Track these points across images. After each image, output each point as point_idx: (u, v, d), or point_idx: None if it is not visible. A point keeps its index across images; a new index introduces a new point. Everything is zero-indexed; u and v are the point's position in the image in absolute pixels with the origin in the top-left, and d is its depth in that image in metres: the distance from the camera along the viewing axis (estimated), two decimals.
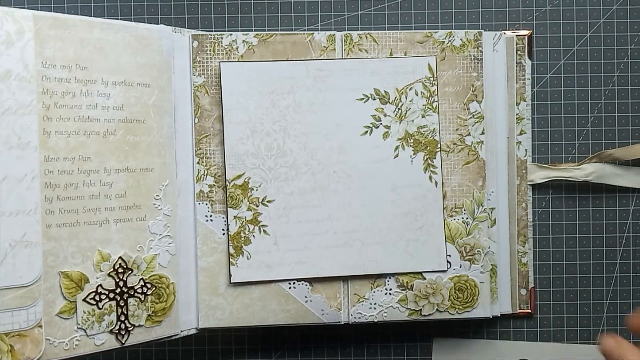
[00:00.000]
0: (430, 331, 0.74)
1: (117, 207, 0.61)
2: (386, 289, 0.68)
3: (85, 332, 0.59)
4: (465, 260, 0.68)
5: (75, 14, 0.70)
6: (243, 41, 0.66)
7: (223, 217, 0.66)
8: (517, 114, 0.71)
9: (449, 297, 0.68)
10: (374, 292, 0.68)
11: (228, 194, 0.66)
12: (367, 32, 0.67)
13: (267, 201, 0.66)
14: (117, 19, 0.71)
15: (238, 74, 0.66)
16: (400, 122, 0.67)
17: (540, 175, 0.72)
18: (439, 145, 0.67)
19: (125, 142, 0.62)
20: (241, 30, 0.72)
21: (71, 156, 0.59)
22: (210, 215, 0.66)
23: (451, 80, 0.68)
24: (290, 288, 0.67)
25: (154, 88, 0.63)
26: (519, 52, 0.71)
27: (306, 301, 0.67)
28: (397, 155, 0.67)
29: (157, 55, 0.64)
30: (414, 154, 0.67)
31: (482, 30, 0.68)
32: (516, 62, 0.71)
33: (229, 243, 0.66)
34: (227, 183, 0.66)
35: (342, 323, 0.68)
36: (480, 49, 0.68)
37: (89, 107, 0.60)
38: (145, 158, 0.63)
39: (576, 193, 0.73)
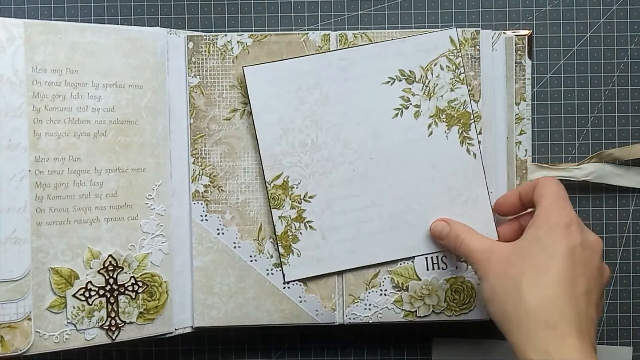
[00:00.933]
0: (430, 331, 0.73)
1: (107, 206, 0.62)
2: (381, 290, 0.68)
3: (75, 326, 0.61)
4: (462, 262, 0.67)
5: (74, 15, 0.72)
6: (238, 42, 0.67)
7: (218, 217, 0.67)
8: (516, 114, 0.70)
9: (445, 298, 0.68)
10: (369, 292, 0.68)
11: (270, 195, 0.66)
12: (362, 31, 0.67)
13: (309, 197, 0.67)
14: (117, 19, 0.72)
15: (262, 77, 0.66)
16: (429, 100, 0.67)
17: (540, 175, 0.71)
18: (472, 117, 0.67)
19: (116, 143, 0.63)
20: (241, 31, 0.73)
21: (61, 157, 0.60)
22: (206, 215, 0.67)
23: None
24: (284, 288, 0.67)
25: (147, 89, 0.64)
26: (518, 52, 0.70)
27: (300, 301, 0.68)
28: (431, 133, 0.67)
29: (151, 57, 0.65)
30: (448, 129, 0.67)
31: (479, 29, 0.67)
32: (516, 62, 0.70)
33: (277, 244, 0.67)
34: (267, 185, 0.66)
35: (337, 324, 0.68)
36: (477, 47, 0.67)
37: (79, 110, 0.61)
38: (137, 158, 0.64)
39: (576, 193, 0.72)
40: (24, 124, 0.58)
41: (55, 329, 0.60)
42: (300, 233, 0.67)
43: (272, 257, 0.68)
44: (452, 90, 0.67)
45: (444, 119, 0.67)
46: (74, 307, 0.61)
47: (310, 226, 0.67)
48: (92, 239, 0.62)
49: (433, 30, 0.67)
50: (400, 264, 0.68)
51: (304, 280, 0.67)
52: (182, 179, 0.67)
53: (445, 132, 0.67)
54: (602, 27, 0.72)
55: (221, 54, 0.67)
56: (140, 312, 0.64)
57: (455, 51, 0.66)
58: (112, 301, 0.62)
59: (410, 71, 0.67)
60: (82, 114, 0.61)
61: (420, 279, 0.68)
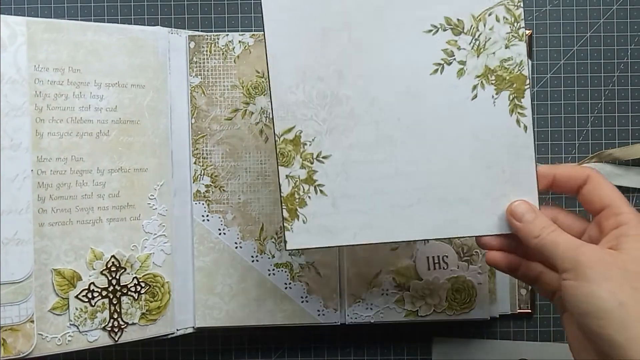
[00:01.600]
0: (430, 331, 0.73)
1: (110, 207, 0.62)
2: (383, 290, 0.68)
3: (78, 328, 0.60)
4: (462, 261, 0.68)
5: (74, 15, 0.72)
6: (239, 41, 0.67)
7: (219, 217, 0.67)
8: None
9: (446, 298, 0.68)
10: (371, 292, 0.68)
11: (278, 150, 0.57)
12: None
13: (323, 157, 0.57)
14: (117, 19, 0.72)
15: (283, 10, 0.55)
16: (478, 56, 0.56)
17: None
18: (527, 81, 0.56)
19: (118, 143, 0.63)
20: (241, 31, 0.73)
21: (64, 157, 0.60)
22: (207, 215, 0.67)
23: None
24: (286, 288, 0.67)
25: (149, 89, 0.64)
26: None
27: (302, 301, 0.67)
28: (475, 96, 0.56)
29: (152, 57, 0.64)
30: (496, 94, 0.56)
31: None
32: None
33: (281, 205, 0.57)
34: (276, 138, 0.57)
35: (339, 324, 0.68)
36: None
37: (81, 109, 0.61)
38: (140, 158, 0.63)
39: None
40: (26, 124, 0.58)
41: (57, 331, 0.60)
42: (309, 197, 0.57)
43: (273, 257, 0.67)
44: (507, 47, 0.56)
45: (493, 81, 0.56)
46: (76, 309, 0.60)
47: (321, 190, 0.57)
48: (95, 240, 0.61)
49: None
50: (402, 264, 0.68)
51: (306, 280, 0.67)
52: (183, 179, 0.67)
53: (493, 96, 0.56)
54: (602, 27, 0.72)
55: (222, 53, 0.67)
56: (143, 313, 0.63)
57: (516, 0, 0.55)
58: (115, 302, 0.62)
59: (458, 20, 0.56)
60: (85, 113, 0.61)
61: (422, 279, 0.68)
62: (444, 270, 0.68)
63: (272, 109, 0.57)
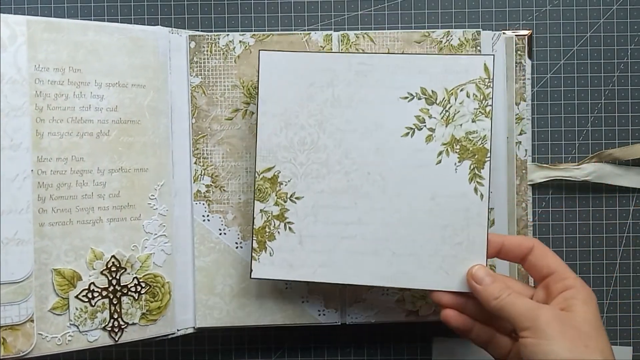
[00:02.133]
0: (430, 331, 0.73)
1: (110, 207, 0.62)
2: (383, 290, 0.68)
3: (78, 328, 0.60)
4: None
5: (74, 15, 0.72)
6: (240, 41, 0.67)
7: (220, 217, 0.67)
8: (517, 114, 0.70)
9: None
10: (371, 292, 0.68)
11: (257, 186, 0.63)
12: (365, 32, 0.67)
13: (296, 197, 0.63)
14: (117, 19, 0.72)
15: (277, 64, 0.62)
16: (446, 126, 0.61)
17: (540, 175, 0.71)
18: (489, 154, 0.61)
19: (119, 143, 0.62)
20: (241, 31, 0.73)
21: (64, 157, 0.60)
22: (207, 215, 0.67)
23: None
24: (287, 288, 0.67)
25: (149, 89, 0.64)
26: (518, 52, 0.70)
27: (303, 301, 0.67)
28: (439, 162, 0.61)
29: (153, 57, 0.64)
30: (459, 162, 0.61)
31: (480, 30, 0.67)
32: (516, 62, 0.70)
33: (252, 237, 0.63)
34: (256, 175, 0.63)
35: (339, 324, 0.68)
36: (478, 48, 0.67)
37: (82, 109, 0.61)
38: (140, 158, 0.63)
39: (576, 193, 0.72)
40: (26, 124, 0.58)
41: (57, 331, 0.60)
42: (278, 232, 0.63)
43: None
44: (474, 121, 0.61)
45: (458, 150, 0.61)
46: (76, 309, 0.60)
47: (290, 228, 0.63)
48: (95, 240, 0.61)
49: (467, 55, 0.65)
50: None
51: (306, 282, 0.67)
52: (184, 179, 0.66)
53: (455, 164, 0.61)
54: (602, 27, 0.72)
55: (223, 53, 0.67)
56: (143, 313, 0.63)
57: (487, 80, 0.61)
58: (115, 302, 0.62)
59: (432, 91, 0.62)
60: (85, 113, 0.61)
61: None
62: None
63: (256, 148, 0.63)
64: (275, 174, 0.63)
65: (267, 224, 0.63)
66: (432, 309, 0.68)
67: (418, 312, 0.68)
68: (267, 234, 0.63)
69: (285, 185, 0.63)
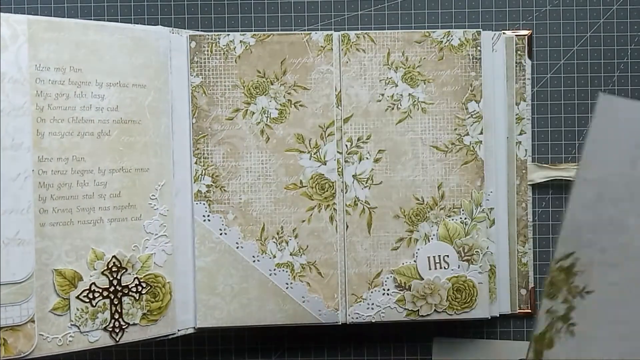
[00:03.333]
0: (430, 331, 0.73)
1: (111, 207, 0.62)
2: (384, 289, 0.68)
3: (79, 328, 0.60)
4: (463, 261, 0.68)
5: (74, 15, 0.71)
6: (240, 41, 0.67)
7: (220, 217, 0.67)
8: (516, 114, 0.70)
9: (447, 297, 0.68)
10: (372, 292, 0.68)
11: (550, 278, 0.50)
12: (365, 32, 0.67)
13: (586, 292, 0.49)
14: (117, 19, 0.72)
15: (615, 114, 0.48)
16: None
17: (540, 175, 0.71)
18: None
19: (119, 143, 0.62)
20: (241, 31, 0.72)
21: (65, 156, 0.60)
22: (208, 215, 0.67)
23: (449, 80, 0.68)
24: (287, 288, 0.67)
25: (150, 89, 0.64)
26: (518, 52, 0.70)
27: (303, 301, 0.67)
28: None
29: (154, 56, 0.64)
30: None
31: (480, 30, 0.67)
32: (516, 62, 0.70)
33: (530, 345, 0.51)
34: (552, 264, 0.50)
35: (340, 323, 0.68)
36: (478, 48, 0.67)
37: (82, 109, 0.61)
38: (141, 158, 0.63)
39: None
40: (27, 123, 0.58)
41: (58, 332, 0.59)
42: (559, 337, 0.50)
43: (274, 257, 0.67)
44: None
45: None
46: (77, 309, 0.60)
47: (571, 331, 0.50)
48: (96, 240, 0.61)
49: None
50: (403, 263, 0.68)
51: (307, 280, 0.67)
52: (184, 179, 0.66)
53: None
54: (602, 27, 0.72)
55: (224, 53, 0.67)
56: (144, 314, 0.63)
57: None
58: (116, 303, 0.62)
59: None
60: (86, 113, 0.61)
61: (423, 278, 0.68)
62: (445, 269, 0.68)
63: (562, 227, 0.50)
64: (573, 261, 0.49)
65: (549, 328, 0.50)
66: (432, 309, 0.68)
67: (418, 312, 0.68)
68: (547, 340, 0.50)
69: (579, 276, 0.49)
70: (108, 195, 0.62)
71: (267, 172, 0.67)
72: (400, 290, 0.68)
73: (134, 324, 0.63)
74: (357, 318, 0.68)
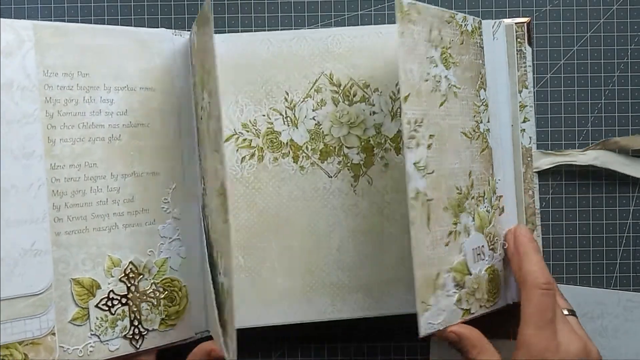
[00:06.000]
0: None
1: (125, 212, 0.61)
2: (447, 291, 0.61)
3: (99, 338, 0.59)
4: (490, 250, 0.65)
5: (74, 15, 0.70)
6: None
7: None
8: (520, 102, 0.70)
9: (486, 290, 0.64)
10: (437, 296, 0.60)
11: None
12: (414, 1, 0.59)
13: None
14: (117, 19, 0.71)
15: None
16: None
17: (545, 161, 0.71)
18: None
19: (130, 147, 0.61)
20: (241, 31, 0.72)
21: (77, 163, 0.59)
22: None
23: (468, 65, 0.65)
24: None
25: (158, 92, 0.63)
26: (518, 40, 0.70)
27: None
28: None
29: (159, 59, 0.63)
30: None
31: (480, 19, 0.67)
32: (517, 50, 0.70)
33: None
34: None
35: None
36: (482, 36, 0.67)
37: (92, 114, 0.60)
38: (152, 162, 0.62)
39: (576, 193, 0.73)
40: (38, 131, 0.56)
41: (79, 342, 0.58)
42: None
43: None
44: None
45: None
46: (97, 318, 0.59)
47: None
48: (112, 247, 0.60)
49: None
50: (455, 260, 0.62)
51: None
52: (193, 181, 0.65)
53: None
54: (602, 27, 0.73)
55: None
56: (163, 319, 0.62)
57: None
58: (135, 309, 0.61)
59: None
60: (96, 118, 0.60)
61: (471, 273, 0.63)
62: (483, 260, 0.64)
63: None
64: None
65: None
66: (479, 305, 0.64)
67: (470, 310, 0.64)
68: None
69: None
70: (122, 200, 0.61)
71: None
72: (457, 289, 0.61)
73: (153, 330, 0.62)
74: (430, 329, 0.59)
